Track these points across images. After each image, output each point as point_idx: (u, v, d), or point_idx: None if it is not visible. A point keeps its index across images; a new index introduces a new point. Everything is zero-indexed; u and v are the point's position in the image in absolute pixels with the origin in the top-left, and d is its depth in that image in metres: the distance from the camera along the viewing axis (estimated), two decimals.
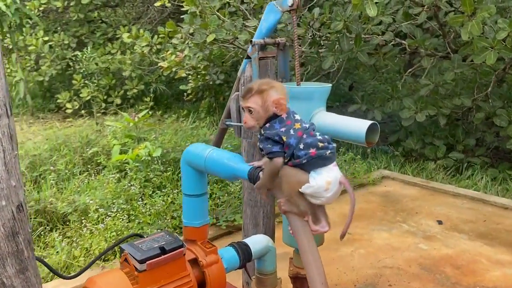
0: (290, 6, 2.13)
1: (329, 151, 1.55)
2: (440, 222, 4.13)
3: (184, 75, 7.30)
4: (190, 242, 1.90)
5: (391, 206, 4.51)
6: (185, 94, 7.96)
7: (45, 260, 3.43)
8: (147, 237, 1.79)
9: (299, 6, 2.11)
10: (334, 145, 1.59)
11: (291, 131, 1.53)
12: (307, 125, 1.60)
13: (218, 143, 2.74)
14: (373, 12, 4.38)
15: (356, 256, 3.57)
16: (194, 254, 1.83)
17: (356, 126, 1.96)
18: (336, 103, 10.16)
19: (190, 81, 7.48)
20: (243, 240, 2.05)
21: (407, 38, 5.88)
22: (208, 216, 1.93)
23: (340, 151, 5.90)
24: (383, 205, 4.55)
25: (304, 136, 1.54)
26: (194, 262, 1.83)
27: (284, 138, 1.51)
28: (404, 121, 5.74)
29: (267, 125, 1.56)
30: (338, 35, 5.45)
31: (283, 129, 1.53)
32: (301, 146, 1.51)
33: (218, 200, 4.22)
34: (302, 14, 6.04)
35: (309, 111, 2.09)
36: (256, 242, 2.06)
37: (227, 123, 2.43)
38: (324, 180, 1.50)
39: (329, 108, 7.62)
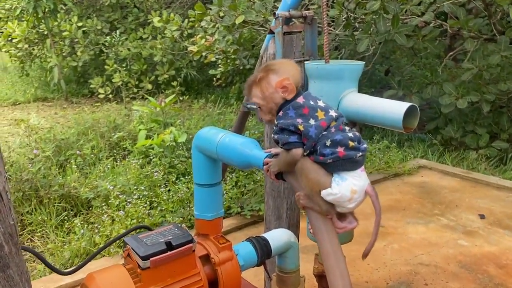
0: None
1: (360, 153, 1.28)
2: (482, 217, 3.82)
3: (213, 59, 7.13)
4: (202, 237, 1.72)
5: (428, 198, 4.22)
6: (214, 79, 7.80)
7: (61, 248, 3.37)
8: (154, 230, 1.62)
9: None
10: (366, 145, 1.32)
11: (311, 121, 1.27)
12: (334, 114, 1.31)
13: (239, 129, 2.54)
14: None
15: (389, 251, 3.33)
16: (205, 249, 1.66)
17: (392, 108, 1.72)
18: (371, 89, 9.79)
19: (219, 65, 7.30)
20: (262, 235, 1.85)
21: (449, 19, 5.49)
22: (222, 208, 1.74)
23: (374, 139, 5.61)
24: (420, 196, 4.26)
25: (333, 130, 1.27)
26: (206, 258, 1.65)
27: (301, 128, 1.25)
28: (444, 107, 5.40)
29: (280, 113, 1.31)
30: (374, 16, 5.13)
31: (299, 120, 1.27)
32: (328, 142, 1.25)
33: (243, 188, 4.04)
34: None
35: (339, 92, 1.86)
36: (277, 237, 1.86)
37: (248, 106, 2.23)
38: (349, 188, 1.25)
39: (365, 94, 7.28)
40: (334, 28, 5.94)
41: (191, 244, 1.53)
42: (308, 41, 2.13)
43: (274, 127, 1.34)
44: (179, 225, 1.62)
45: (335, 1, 5.52)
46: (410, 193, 4.35)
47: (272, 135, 1.33)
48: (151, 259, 1.45)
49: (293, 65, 1.35)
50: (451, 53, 5.99)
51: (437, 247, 3.37)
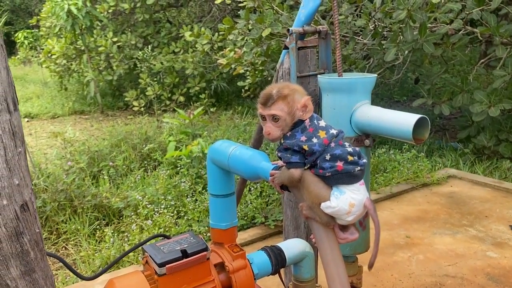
0: None
1: (359, 168, 1.32)
2: None
3: (242, 71, 7.25)
4: (218, 245, 1.79)
5: (457, 208, 4.14)
6: (243, 90, 7.93)
7: (91, 255, 3.50)
8: (172, 238, 1.70)
9: None
10: (365, 160, 1.36)
11: (314, 139, 1.33)
12: (334, 131, 1.37)
13: (257, 141, 2.60)
14: None
15: (414, 262, 3.29)
16: (220, 258, 1.72)
17: (402, 120, 1.74)
18: (404, 97, 9.68)
19: (248, 77, 7.41)
20: (277, 244, 1.91)
21: (479, 26, 5.41)
22: (236, 218, 1.81)
23: (403, 149, 5.56)
24: (448, 207, 4.20)
25: (332, 144, 1.33)
26: (221, 266, 1.72)
27: (306, 147, 1.31)
28: (475, 116, 5.29)
29: (289, 133, 1.37)
30: (401, 25, 5.11)
31: (303, 138, 1.33)
32: (327, 156, 1.31)
33: (268, 199, 4.10)
34: (363, 5, 5.76)
35: (351, 105, 1.90)
36: (291, 246, 1.91)
37: None
38: (347, 202, 1.29)
39: (396, 103, 7.27)
40: (361, 38, 5.95)
41: (205, 252, 1.61)
42: (322, 55, 2.18)
43: (279, 145, 1.40)
44: (195, 234, 1.69)
45: (362, 11, 5.53)
46: (438, 203, 4.29)
47: (276, 152, 1.39)
48: (167, 266, 1.53)
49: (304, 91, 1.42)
50: (482, 60, 5.88)
51: (464, 259, 3.31)
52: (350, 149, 1.34)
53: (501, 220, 3.88)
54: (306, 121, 1.37)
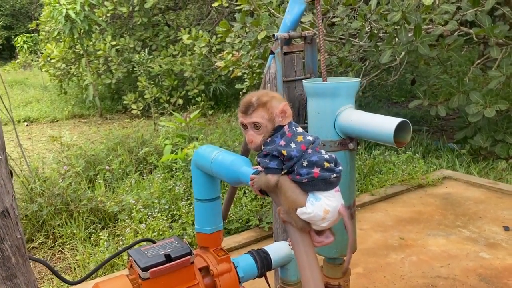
0: None
1: (335, 175, 1.35)
2: (506, 228, 3.74)
3: (240, 74, 7.28)
4: (203, 249, 1.81)
5: (451, 210, 4.16)
6: (241, 93, 7.95)
7: (88, 259, 3.53)
8: (157, 242, 1.73)
9: None
10: (341, 168, 1.38)
11: (292, 144, 1.35)
12: (311, 138, 1.39)
13: (246, 150, 2.62)
14: (430, 0, 4.05)
15: (407, 264, 3.31)
16: (205, 261, 1.75)
17: (384, 124, 1.76)
18: (401, 98, 9.69)
19: (246, 79, 7.44)
20: (263, 248, 1.93)
21: (475, 27, 5.42)
22: (222, 222, 1.83)
23: (400, 150, 5.57)
24: (442, 208, 4.21)
25: (309, 151, 1.35)
26: (206, 270, 1.74)
27: (284, 153, 1.34)
28: (471, 116, 5.31)
29: (268, 139, 1.39)
30: (396, 27, 5.13)
31: (282, 143, 1.36)
32: (305, 163, 1.33)
33: (262, 201, 4.11)
34: (358, 7, 5.77)
35: (335, 109, 1.92)
36: (277, 249, 1.93)
37: None
38: (322, 208, 1.31)
39: (394, 104, 7.28)
40: (357, 40, 5.97)
41: (189, 257, 1.63)
42: (308, 60, 2.20)
43: (259, 152, 1.42)
44: (180, 238, 1.71)
45: (357, 13, 5.55)
46: (433, 204, 4.30)
47: (256, 158, 1.42)
48: (150, 270, 1.56)
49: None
50: (478, 61, 5.89)
51: (457, 260, 3.32)
52: (326, 156, 1.36)
53: (495, 221, 3.89)
54: (285, 127, 1.40)
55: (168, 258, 1.60)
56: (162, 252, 1.62)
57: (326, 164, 1.33)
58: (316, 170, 1.32)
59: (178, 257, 1.61)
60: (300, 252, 1.31)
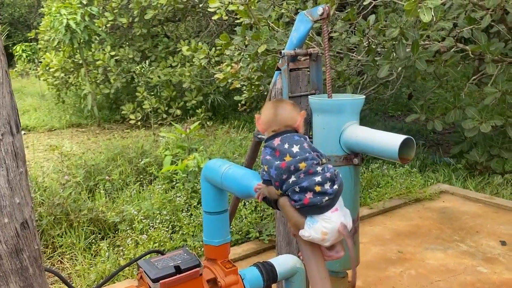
0: (320, 15, 2.03)
1: (327, 198, 1.34)
2: (503, 243, 3.79)
3: (238, 85, 7.35)
4: (211, 261, 1.85)
5: (448, 224, 4.20)
6: (239, 104, 8.02)
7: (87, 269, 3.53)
8: (166, 254, 1.76)
9: (329, 15, 2.01)
10: (336, 187, 1.37)
11: (276, 162, 1.37)
12: (302, 157, 1.36)
13: (251, 158, 2.67)
14: (428, 18, 4.13)
15: (405, 277, 3.34)
16: (213, 273, 1.78)
17: (388, 141, 1.81)
18: (398, 112, 9.79)
19: (244, 91, 7.51)
20: (269, 260, 1.96)
21: (471, 44, 5.53)
22: (229, 235, 1.86)
23: (397, 164, 5.63)
24: (440, 222, 4.26)
25: (302, 175, 1.34)
26: (213, 282, 1.77)
27: (266, 169, 1.39)
28: (467, 132, 5.38)
29: (263, 148, 1.46)
30: (394, 42, 5.22)
31: (268, 157, 1.40)
32: (297, 189, 1.35)
33: (262, 213, 4.15)
34: (357, 22, 5.87)
35: (340, 125, 1.97)
36: (283, 262, 1.97)
37: (259, 136, 2.37)
38: (320, 231, 1.34)
39: (390, 118, 7.37)
40: (356, 54, 6.06)
41: (198, 269, 1.66)
42: (313, 76, 2.26)
43: None
44: (189, 249, 1.75)
45: (356, 29, 5.64)
46: (430, 218, 4.35)
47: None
48: (161, 281, 1.59)
49: (270, 109, 1.49)
50: (474, 77, 5.99)
51: (454, 274, 3.36)
52: (318, 178, 1.35)
53: (491, 235, 3.94)
54: (276, 140, 1.43)
55: (178, 269, 1.63)
56: (172, 264, 1.65)
57: (317, 188, 1.34)
58: (307, 196, 1.34)
59: (188, 269, 1.64)
60: (311, 266, 1.35)
